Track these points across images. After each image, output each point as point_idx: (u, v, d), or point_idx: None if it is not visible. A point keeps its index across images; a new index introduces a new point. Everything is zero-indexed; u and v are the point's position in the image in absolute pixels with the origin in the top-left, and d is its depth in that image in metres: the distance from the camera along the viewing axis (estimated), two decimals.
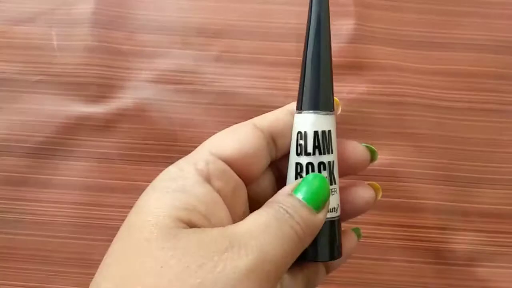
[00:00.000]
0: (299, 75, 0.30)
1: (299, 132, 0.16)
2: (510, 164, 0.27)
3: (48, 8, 0.29)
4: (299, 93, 0.17)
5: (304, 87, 0.16)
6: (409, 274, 0.25)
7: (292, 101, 0.28)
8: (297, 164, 0.16)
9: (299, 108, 0.16)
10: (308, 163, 0.16)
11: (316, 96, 0.16)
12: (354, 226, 0.22)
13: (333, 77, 0.29)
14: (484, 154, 0.27)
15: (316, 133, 0.16)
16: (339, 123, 0.26)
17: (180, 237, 0.13)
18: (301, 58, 0.17)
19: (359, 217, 0.26)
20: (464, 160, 0.27)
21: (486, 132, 0.27)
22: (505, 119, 0.27)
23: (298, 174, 0.16)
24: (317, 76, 0.16)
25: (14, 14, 0.29)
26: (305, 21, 0.32)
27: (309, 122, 0.16)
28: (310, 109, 0.16)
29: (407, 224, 0.26)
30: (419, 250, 0.26)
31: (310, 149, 0.16)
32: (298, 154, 0.16)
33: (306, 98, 0.16)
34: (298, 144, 0.16)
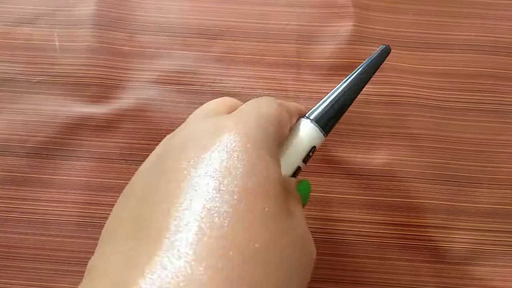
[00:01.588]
0: (298, 76, 0.30)
1: (314, 147, 0.19)
2: (508, 164, 0.27)
3: (49, 9, 0.30)
4: (324, 110, 0.20)
5: (330, 109, 0.20)
6: (408, 273, 0.26)
7: (292, 101, 0.28)
8: (298, 167, 0.19)
9: (318, 123, 0.19)
10: (300, 167, 0.19)
11: (333, 124, 0.20)
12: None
13: (332, 77, 0.30)
14: (482, 154, 0.27)
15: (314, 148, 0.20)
16: (339, 123, 0.26)
17: None
18: (340, 82, 0.20)
19: (357, 216, 0.26)
20: (462, 160, 0.27)
21: (484, 132, 0.28)
22: (503, 120, 0.28)
23: (295, 174, 0.19)
24: (343, 111, 0.20)
25: (16, 15, 0.30)
26: (305, 22, 0.32)
27: (319, 141, 0.19)
28: (326, 132, 0.20)
29: (406, 223, 0.26)
30: (417, 249, 0.26)
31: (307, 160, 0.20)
32: (304, 161, 0.19)
33: (327, 120, 0.20)
34: (308, 155, 0.19)
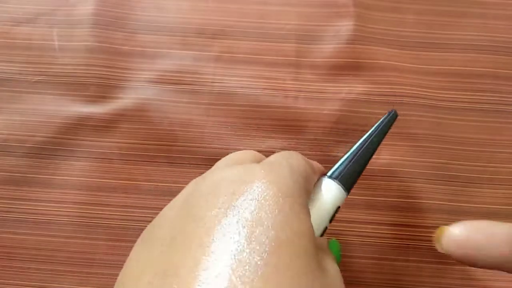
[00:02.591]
0: (298, 75, 0.30)
1: (339, 207, 0.20)
2: (509, 164, 0.27)
3: (48, 8, 0.30)
4: (345, 169, 0.20)
5: (350, 168, 0.21)
6: (408, 273, 0.26)
7: (291, 101, 0.28)
8: (325, 227, 0.19)
9: (341, 182, 0.20)
10: (327, 227, 0.20)
11: (354, 182, 0.21)
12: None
13: (332, 77, 0.30)
14: (483, 154, 0.27)
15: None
16: (339, 123, 0.26)
17: None
18: (358, 141, 0.21)
19: (358, 216, 0.26)
20: (463, 160, 0.27)
21: (485, 132, 0.27)
22: (503, 119, 0.28)
23: (323, 234, 0.19)
24: (361, 170, 0.21)
25: (15, 14, 0.30)
26: (305, 22, 0.32)
27: (343, 200, 0.20)
28: (347, 191, 0.20)
29: (406, 224, 0.26)
30: (418, 249, 0.26)
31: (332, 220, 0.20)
32: (330, 221, 0.19)
33: (349, 179, 0.20)
34: (333, 215, 0.20)
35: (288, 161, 0.17)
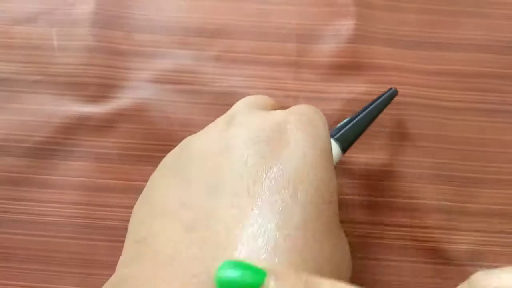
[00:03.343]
0: (298, 75, 0.30)
1: (334, 166, 0.21)
2: (511, 164, 0.27)
3: (48, 8, 0.29)
4: (344, 132, 0.23)
5: (348, 131, 0.23)
6: (409, 274, 0.25)
7: (292, 101, 0.28)
8: None
9: (339, 141, 0.22)
10: None
11: (349, 146, 0.23)
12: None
13: (333, 77, 0.30)
14: (484, 154, 0.27)
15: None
16: (339, 122, 0.26)
17: None
18: (361, 108, 0.24)
19: (358, 216, 0.26)
20: (464, 160, 0.27)
21: (486, 132, 0.27)
22: (506, 119, 0.28)
23: None
24: (357, 136, 0.23)
25: (14, 14, 0.29)
26: (305, 21, 0.32)
27: (338, 159, 0.22)
28: (343, 151, 0.22)
29: (407, 224, 0.26)
30: (419, 250, 0.26)
31: None
32: None
33: (347, 142, 0.22)
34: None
35: (318, 114, 0.18)
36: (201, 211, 0.14)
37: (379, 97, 0.24)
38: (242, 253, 0.12)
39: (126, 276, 0.14)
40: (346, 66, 0.28)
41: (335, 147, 0.21)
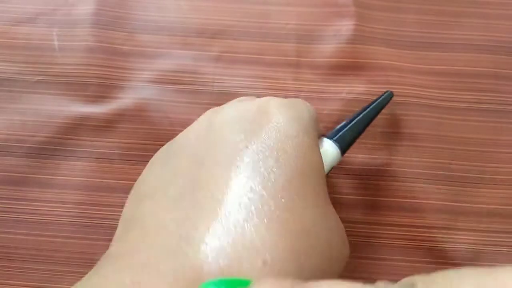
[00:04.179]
0: (298, 75, 0.30)
1: (333, 167, 0.22)
2: (510, 164, 0.27)
3: (48, 8, 0.30)
4: (343, 133, 0.23)
5: (349, 135, 0.23)
6: (409, 273, 0.25)
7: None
8: None
9: (338, 143, 0.22)
10: None
11: (348, 148, 0.23)
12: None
13: (333, 77, 0.30)
14: (483, 154, 0.27)
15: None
16: (339, 123, 0.26)
17: None
18: (359, 110, 0.24)
19: (358, 216, 0.26)
20: (463, 160, 0.27)
21: (485, 132, 0.27)
22: (504, 119, 0.28)
23: None
24: (356, 137, 0.23)
25: (15, 14, 0.29)
26: (305, 22, 0.32)
27: (337, 161, 0.22)
28: (342, 153, 0.22)
29: (407, 224, 0.26)
30: (419, 249, 0.26)
31: None
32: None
33: (346, 144, 0.22)
34: (327, 175, 0.21)
35: (304, 103, 0.19)
36: (187, 182, 0.15)
37: (375, 100, 0.25)
38: (217, 232, 0.13)
39: (112, 253, 0.14)
40: (346, 67, 0.28)
41: (335, 149, 0.22)
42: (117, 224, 0.26)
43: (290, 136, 0.16)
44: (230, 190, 0.13)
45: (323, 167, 0.17)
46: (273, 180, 0.14)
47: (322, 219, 0.15)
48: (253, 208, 0.13)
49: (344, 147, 0.22)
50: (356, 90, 0.28)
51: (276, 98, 0.18)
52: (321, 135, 0.22)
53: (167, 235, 0.13)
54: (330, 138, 0.22)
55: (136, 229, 0.14)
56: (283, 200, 0.14)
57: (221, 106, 0.19)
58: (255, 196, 0.13)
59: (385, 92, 0.25)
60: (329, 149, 0.21)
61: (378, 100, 0.25)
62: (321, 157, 0.17)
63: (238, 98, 0.21)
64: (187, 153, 0.16)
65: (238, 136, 0.15)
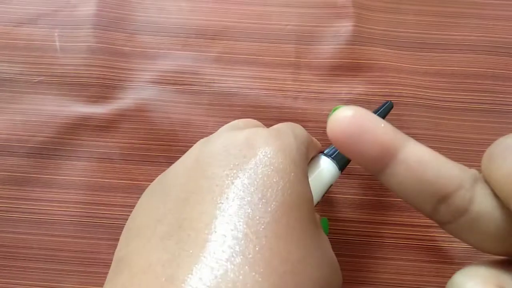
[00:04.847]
0: (297, 76, 0.30)
1: (332, 185, 0.21)
2: None
3: (50, 9, 0.30)
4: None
5: None
6: (410, 273, 0.26)
7: (291, 101, 0.28)
8: (317, 202, 0.20)
9: (336, 160, 0.21)
10: (318, 202, 0.21)
11: (347, 164, 0.22)
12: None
13: (332, 78, 0.30)
14: (481, 154, 0.27)
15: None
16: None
17: None
18: None
19: (359, 215, 0.26)
20: (461, 160, 0.27)
21: (482, 132, 0.28)
22: (501, 120, 0.28)
23: None
24: None
25: (16, 15, 0.30)
26: (304, 23, 0.32)
27: (335, 178, 0.21)
28: (340, 170, 0.21)
29: (407, 223, 0.26)
30: (419, 249, 0.26)
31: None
32: (321, 197, 0.21)
33: (344, 160, 0.22)
34: (326, 192, 0.21)
35: (293, 131, 0.18)
36: (173, 221, 0.15)
37: (375, 111, 0.24)
38: (202, 272, 0.12)
39: None
40: (345, 67, 0.28)
41: (333, 166, 0.21)
42: (118, 224, 0.26)
43: (277, 170, 0.15)
44: (214, 228, 0.13)
45: (312, 198, 0.16)
46: (257, 217, 0.14)
47: (309, 254, 0.14)
48: (237, 248, 0.13)
49: (342, 164, 0.22)
50: (355, 90, 0.28)
51: (264, 129, 0.18)
52: (319, 152, 0.22)
53: (154, 277, 0.13)
54: (329, 155, 0.21)
55: (124, 272, 0.14)
56: (267, 238, 0.13)
57: (211, 136, 0.19)
58: (238, 234, 0.13)
59: (385, 103, 0.25)
60: (327, 167, 0.21)
61: (379, 112, 0.24)
62: (310, 188, 0.17)
63: (229, 123, 0.20)
64: (175, 189, 0.16)
65: (224, 171, 0.15)
